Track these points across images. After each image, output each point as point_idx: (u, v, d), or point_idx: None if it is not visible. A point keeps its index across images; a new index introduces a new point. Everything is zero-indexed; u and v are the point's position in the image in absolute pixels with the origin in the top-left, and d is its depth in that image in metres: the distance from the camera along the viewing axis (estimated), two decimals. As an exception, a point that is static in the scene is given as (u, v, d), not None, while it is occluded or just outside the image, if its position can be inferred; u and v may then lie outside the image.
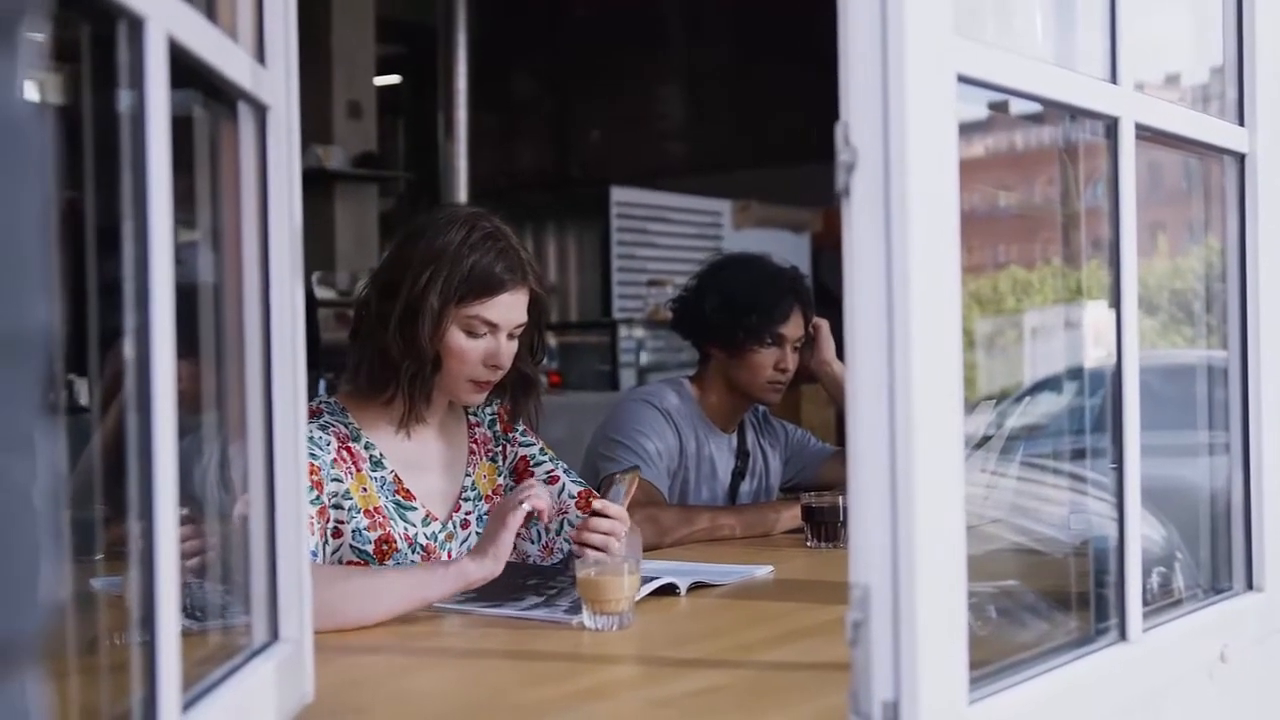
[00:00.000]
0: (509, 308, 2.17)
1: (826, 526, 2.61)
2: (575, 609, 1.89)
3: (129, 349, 0.99)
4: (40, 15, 0.59)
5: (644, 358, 7.39)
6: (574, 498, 2.31)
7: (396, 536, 2.15)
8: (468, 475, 2.31)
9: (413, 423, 2.22)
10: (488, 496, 2.32)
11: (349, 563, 2.12)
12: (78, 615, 1.24)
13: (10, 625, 0.55)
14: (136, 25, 0.98)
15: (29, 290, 0.56)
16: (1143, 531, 1.54)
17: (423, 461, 2.25)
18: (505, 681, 1.64)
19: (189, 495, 1.16)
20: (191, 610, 1.28)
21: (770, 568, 2.35)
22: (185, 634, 1.06)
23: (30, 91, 0.57)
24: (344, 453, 2.13)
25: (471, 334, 2.16)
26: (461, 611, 1.96)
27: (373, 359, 2.17)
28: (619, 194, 7.90)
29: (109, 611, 1.35)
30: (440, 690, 1.63)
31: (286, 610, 1.36)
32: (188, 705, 1.07)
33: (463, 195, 8.39)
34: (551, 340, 7.44)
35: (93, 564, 1.43)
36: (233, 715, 1.17)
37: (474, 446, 2.34)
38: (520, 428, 2.39)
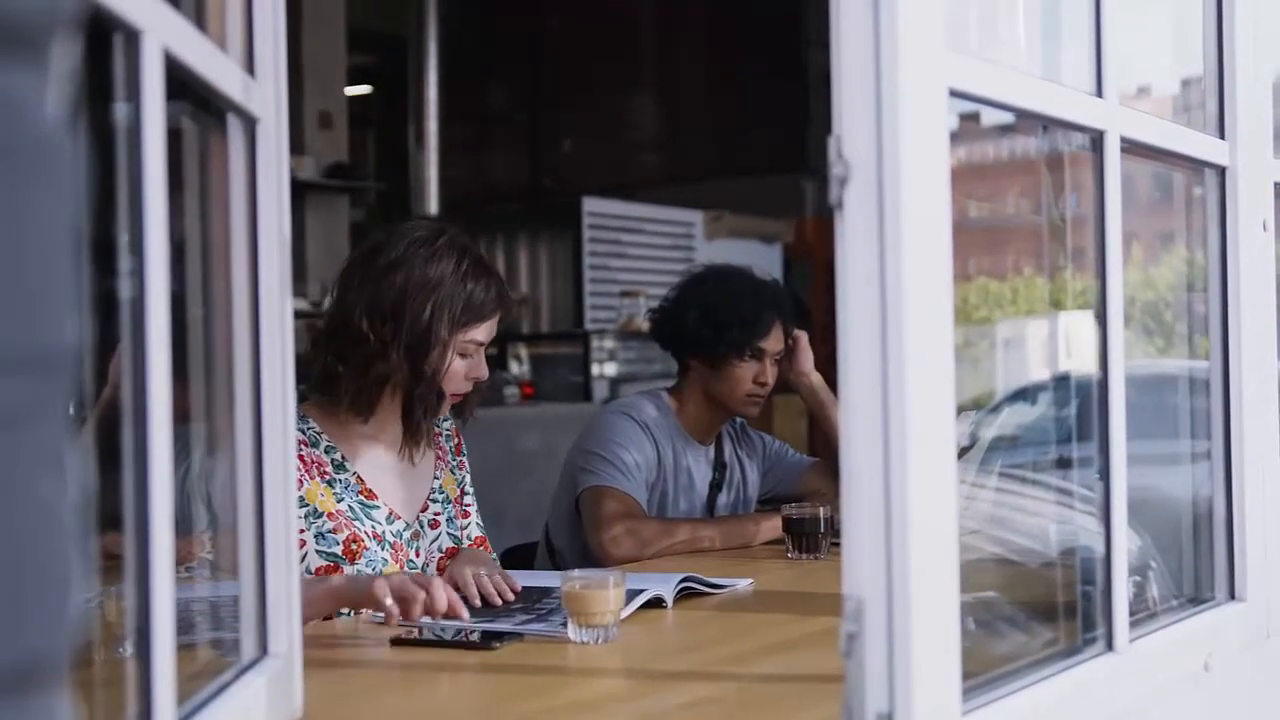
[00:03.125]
0: (494, 326, 2.30)
1: (807, 538, 2.62)
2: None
3: (125, 363, 0.98)
4: (70, 32, 0.59)
5: (616, 369, 7.38)
6: (471, 540, 2.40)
7: (363, 535, 2.21)
8: (436, 478, 2.38)
9: (413, 446, 2.30)
10: (455, 500, 2.41)
11: (317, 569, 2.14)
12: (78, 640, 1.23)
13: (43, 642, 0.55)
14: (133, 38, 0.97)
15: (60, 306, 0.56)
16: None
17: (389, 464, 2.31)
18: (492, 695, 1.64)
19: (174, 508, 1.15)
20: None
21: (750, 581, 2.35)
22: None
23: (60, 107, 0.57)
24: (296, 460, 2.15)
25: (463, 355, 2.27)
26: (454, 627, 1.94)
27: (373, 385, 2.22)
28: (591, 204, 7.89)
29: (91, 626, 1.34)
30: (428, 705, 1.62)
31: (276, 625, 1.35)
32: (181, 722, 1.06)
33: (434, 206, 8.38)
34: (523, 351, 7.43)
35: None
36: (225, 731, 1.17)
37: (440, 452, 2.42)
38: (463, 455, 2.49)
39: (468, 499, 2.47)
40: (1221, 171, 1.80)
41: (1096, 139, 1.51)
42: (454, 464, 2.45)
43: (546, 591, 2.15)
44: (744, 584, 2.33)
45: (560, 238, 8.07)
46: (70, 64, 0.60)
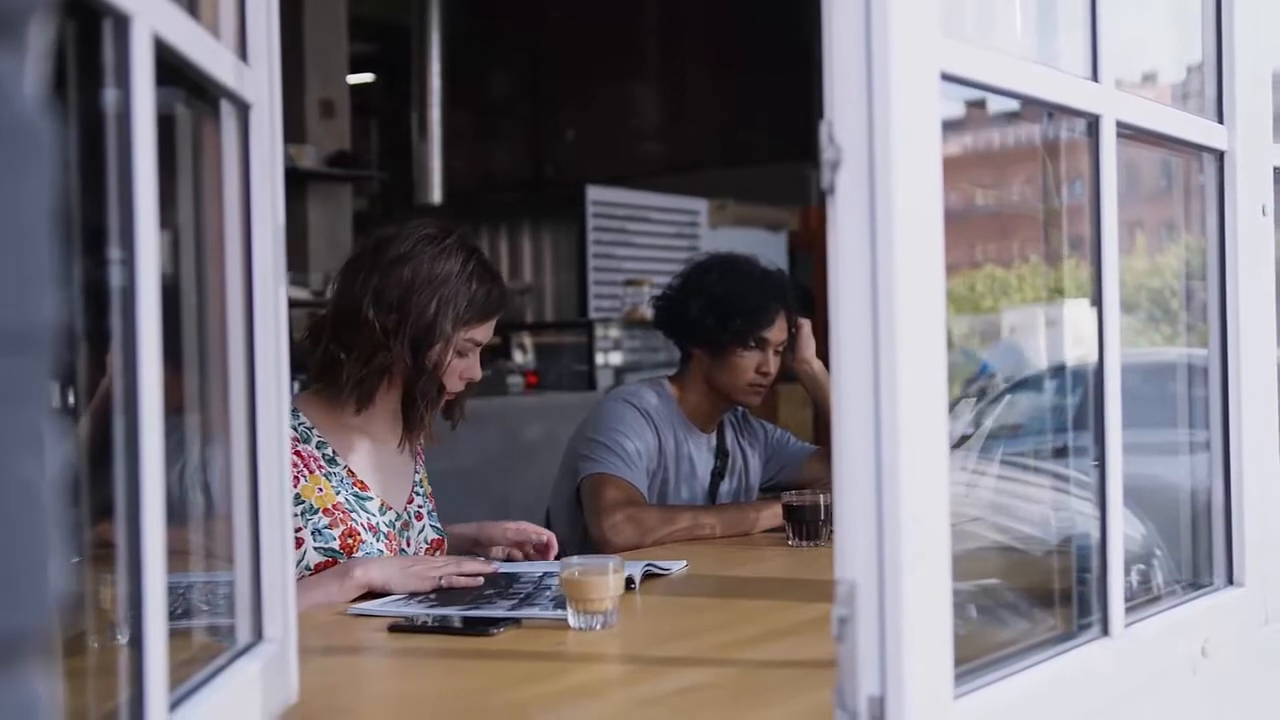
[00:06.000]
0: (491, 327, 2.34)
1: (807, 525, 2.62)
2: (561, 604, 1.89)
3: (115, 351, 0.98)
4: (47, 14, 0.59)
5: (621, 358, 7.38)
6: (428, 543, 2.40)
7: (360, 528, 2.24)
8: (416, 472, 2.43)
9: (413, 439, 2.34)
10: (430, 495, 2.46)
11: (317, 565, 2.15)
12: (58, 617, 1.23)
13: (19, 619, 0.55)
14: (122, 23, 0.97)
15: (37, 285, 0.56)
16: (1123, 529, 1.55)
17: (376, 458, 2.34)
18: (490, 681, 1.64)
19: (169, 497, 1.16)
20: (171, 610, 1.28)
21: (685, 562, 2.36)
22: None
23: (37, 88, 0.57)
24: (293, 456, 2.17)
25: (461, 354, 2.29)
26: (447, 615, 1.94)
27: (374, 375, 2.25)
28: (595, 193, 7.89)
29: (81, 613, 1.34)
30: (425, 690, 1.62)
31: (270, 611, 1.36)
32: (174, 705, 1.07)
33: (437, 195, 8.38)
34: (527, 340, 7.43)
35: (73, 566, 1.42)
36: (219, 715, 1.17)
37: (418, 450, 2.46)
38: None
39: (424, 499, 2.50)
40: (1220, 156, 1.80)
41: (1092, 123, 1.50)
42: (423, 462, 2.49)
43: (515, 577, 2.18)
44: (679, 566, 2.35)
45: (564, 226, 8.07)
46: (46, 45, 0.60)
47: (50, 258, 0.57)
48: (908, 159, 1.16)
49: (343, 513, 2.23)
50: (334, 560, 2.19)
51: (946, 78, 1.23)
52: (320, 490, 2.23)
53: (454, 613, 1.94)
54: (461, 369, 2.30)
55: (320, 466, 2.25)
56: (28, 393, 0.56)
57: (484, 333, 2.31)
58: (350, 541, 2.22)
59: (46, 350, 0.57)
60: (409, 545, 2.34)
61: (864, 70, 1.15)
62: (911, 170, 1.17)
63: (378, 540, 2.26)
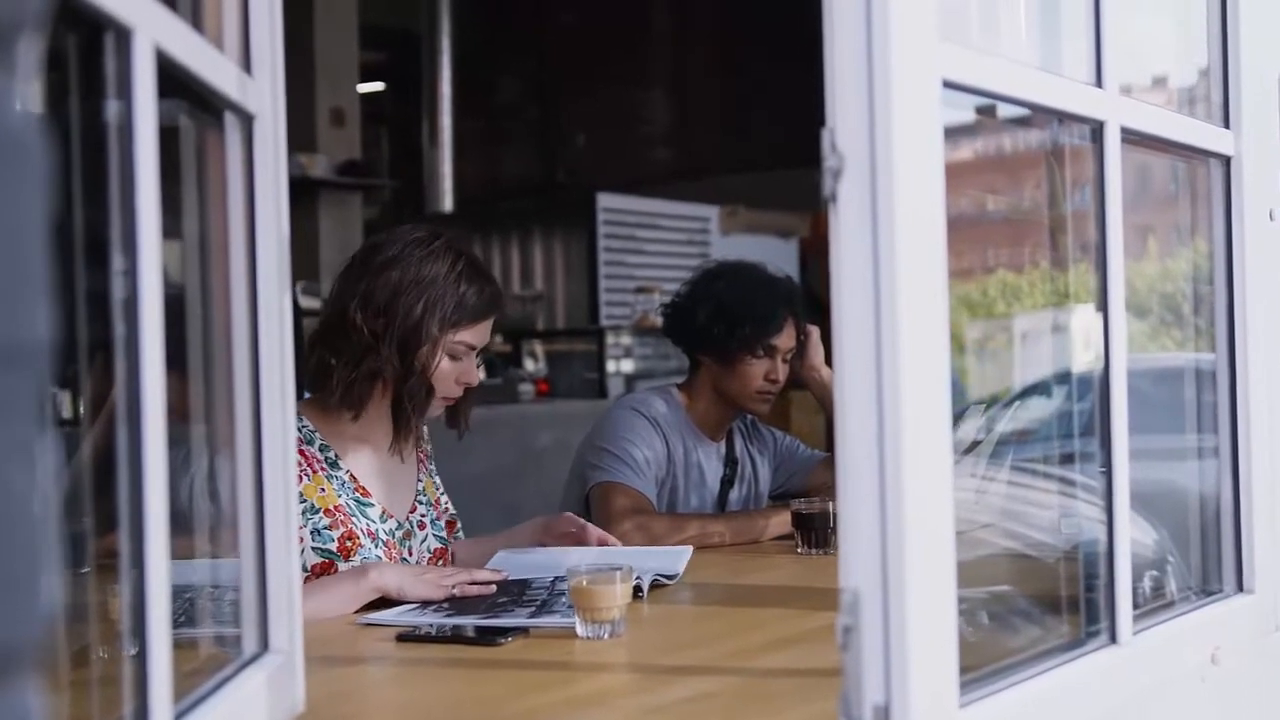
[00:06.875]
0: (487, 331, 2.33)
1: (816, 532, 2.61)
2: (573, 612, 1.88)
3: (118, 361, 0.98)
4: (39, 28, 0.59)
5: (632, 365, 7.37)
6: (430, 553, 2.40)
7: (359, 532, 2.25)
8: (419, 481, 2.42)
9: (403, 443, 2.32)
10: (435, 503, 2.45)
11: (314, 566, 2.17)
12: (66, 628, 1.24)
13: (12, 632, 0.56)
14: (124, 35, 0.98)
15: (30, 300, 0.56)
16: (1134, 535, 1.55)
17: (378, 465, 2.34)
18: (497, 691, 1.63)
19: (176, 508, 1.16)
20: (177, 619, 1.28)
21: (689, 549, 2.37)
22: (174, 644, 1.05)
23: (28, 103, 0.57)
24: (296, 455, 2.18)
25: (453, 357, 2.28)
26: (458, 624, 1.94)
27: (364, 379, 2.24)
28: (605, 200, 7.88)
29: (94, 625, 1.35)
30: (431, 700, 1.62)
31: (276, 621, 1.36)
32: (179, 716, 1.07)
33: (448, 203, 8.39)
34: (538, 348, 7.43)
35: (81, 577, 1.42)
36: (223, 727, 1.17)
37: (421, 457, 2.46)
38: (432, 464, 2.50)
39: (444, 499, 2.50)
40: (1227, 161, 1.79)
41: (1096, 129, 1.50)
42: (431, 469, 2.49)
43: (527, 584, 2.18)
44: (684, 557, 2.35)
45: (575, 233, 8.07)
46: (38, 60, 0.60)
47: (44, 272, 0.57)
48: (910, 166, 1.16)
49: (343, 515, 2.23)
50: (331, 562, 2.19)
51: (948, 85, 1.23)
52: (322, 491, 2.23)
53: (470, 622, 1.93)
54: (457, 373, 2.29)
55: (323, 468, 2.25)
56: (20, 406, 0.56)
57: (476, 335, 2.30)
58: (349, 545, 2.22)
59: (40, 364, 0.57)
60: (410, 554, 2.34)
61: (865, 78, 1.15)
62: (913, 177, 1.17)
63: (376, 547, 2.25)
